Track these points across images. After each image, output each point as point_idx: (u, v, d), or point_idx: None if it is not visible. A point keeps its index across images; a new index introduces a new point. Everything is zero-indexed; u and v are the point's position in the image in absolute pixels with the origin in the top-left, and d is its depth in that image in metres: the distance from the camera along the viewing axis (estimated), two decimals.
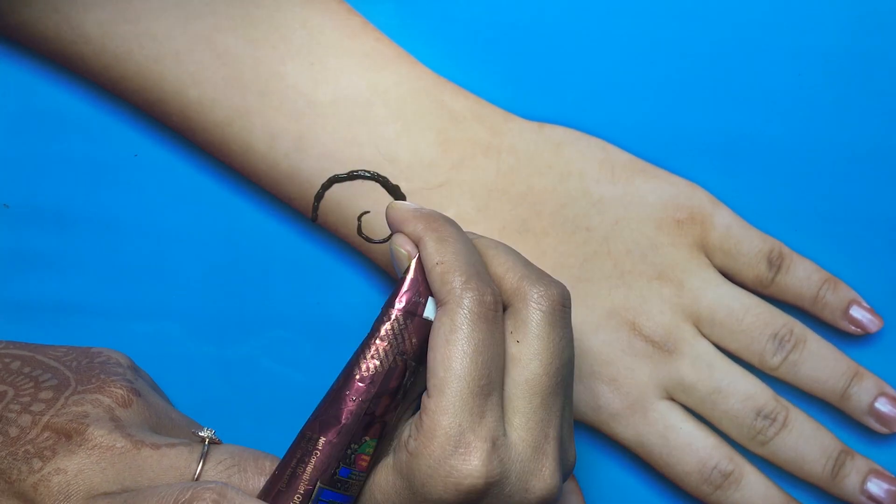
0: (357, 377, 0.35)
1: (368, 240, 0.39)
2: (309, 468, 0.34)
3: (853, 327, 0.42)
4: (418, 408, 0.35)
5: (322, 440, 0.34)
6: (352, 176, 0.39)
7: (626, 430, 0.42)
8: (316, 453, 0.34)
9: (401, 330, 0.35)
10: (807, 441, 0.42)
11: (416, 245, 0.36)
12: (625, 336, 0.42)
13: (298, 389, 0.43)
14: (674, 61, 0.42)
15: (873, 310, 0.42)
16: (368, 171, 0.39)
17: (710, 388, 0.42)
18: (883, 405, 0.42)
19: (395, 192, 0.39)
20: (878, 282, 0.43)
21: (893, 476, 0.43)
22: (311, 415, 0.35)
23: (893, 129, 0.42)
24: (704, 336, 0.42)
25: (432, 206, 0.42)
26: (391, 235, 0.37)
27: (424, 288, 0.35)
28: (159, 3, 0.41)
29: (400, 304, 0.35)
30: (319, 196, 0.41)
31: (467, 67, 0.42)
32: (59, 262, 0.43)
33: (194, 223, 0.43)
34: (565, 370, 0.35)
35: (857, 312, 0.42)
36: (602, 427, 0.43)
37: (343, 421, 0.34)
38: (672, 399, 0.42)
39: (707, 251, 0.42)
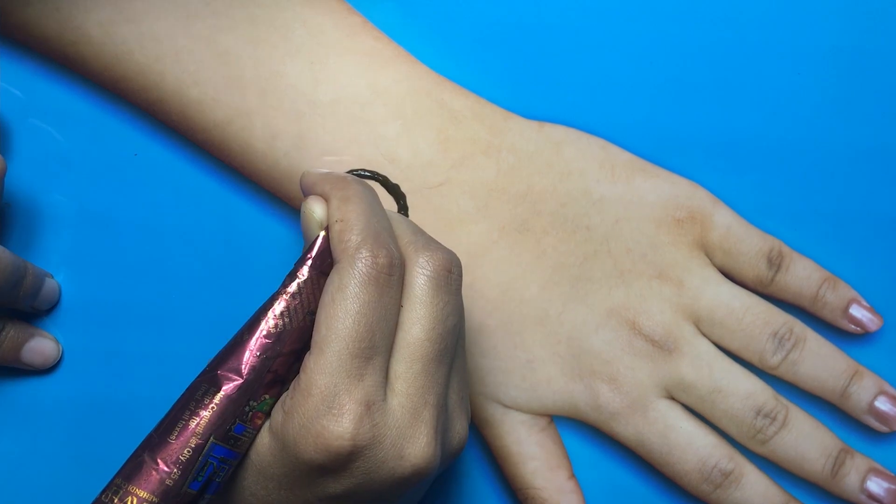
0: (264, 332, 0.33)
1: None
2: (203, 421, 0.32)
3: (853, 326, 0.42)
4: None
5: (220, 394, 0.33)
6: (351, 174, 0.39)
7: (626, 429, 0.42)
8: (213, 407, 0.33)
9: (312, 288, 0.34)
10: (807, 440, 0.42)
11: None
12: (625, 335, 0.42)
13: None
14: (674, 60, 0.42)
15: (873, 309, 0.42)
16: (368, 171, 0.39)
17: (710, 387, 0.42)
18: (883, 404, 0.42)
19: (396, 192, 0.39)
20: (878, 281, 0.43)
21: (893, 475, 0.43)
22: (208, 365, 0.34)
23: (893, 128, 0.42)
24: (704, 335, 0.42)
25: (432, 206, 0.42)
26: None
27: None
28: (160, 4, 0.41)
29: (311, 262, 0.34)
30: None
31: (467, 67, 0.42)
32: (58, 262, 0.43)
33: (194, 222, 0.43)
34: (450, 337, 0.34)
35: (857, 311, 0.42)
36: (602, 426, 0.43)
37: (245, 376, 0.33)
38: (672, 398, 0.42)
39: (707, 250, 0.42)
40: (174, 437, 0.32)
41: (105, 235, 0.43)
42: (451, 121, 0.42)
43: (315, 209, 0.36)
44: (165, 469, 0.32)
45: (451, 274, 0.35)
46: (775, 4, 0.42)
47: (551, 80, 0.42)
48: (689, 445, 0.42)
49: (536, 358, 0.42)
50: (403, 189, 0.39)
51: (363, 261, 0.33)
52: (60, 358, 0.43)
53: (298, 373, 0.33)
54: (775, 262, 0.42)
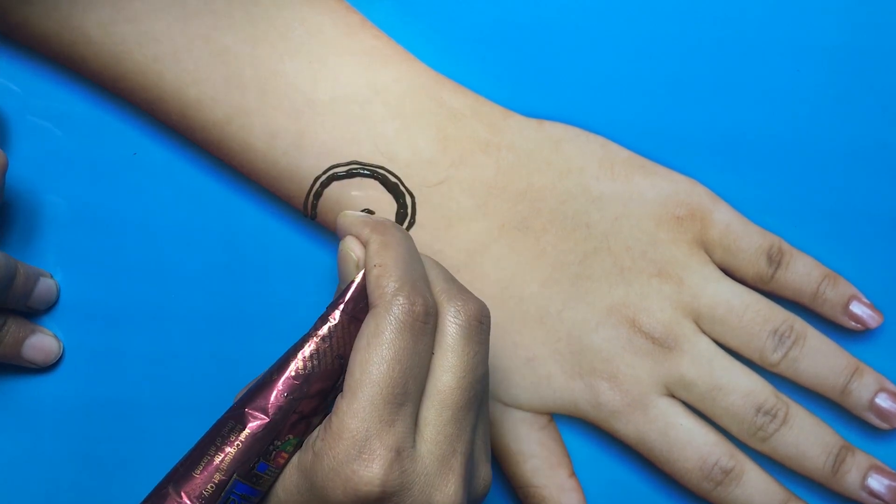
0: (292, 374, 0.34)
1: None
2: (228, 458, 0.33)
3: (853, 323, 0.42)
4: None
5: (246, 432, 0.33)
6: (350, 173, 0.39)
7: (627, 427, 0.42)
8: (238, 444, 0.33)
9: (342, 333, 0.35)
10: (807, 437, 0.42)
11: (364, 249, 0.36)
12: (625, 333, 0.42)
13: None
14: (673, 58, 0.42)
15: (873, 305, 0.42)
16: (367, 168, 0.39)
17: (711, 385, 0.42)
18: (883, 401, 0.42)
19: (395, 190, 0.39)
20: (878, 277, 0.43)
21: (894, 471, 0.43)
22: (237, 402, 0.34)
23: (893, 126, 0.42)
24: (704, 333, 0.42)
25: (432, 204, 0.42)
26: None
27: None
28: (159, 3, 0.41)
29: (344, 306, 0.35)
30: (318, 194, 0.41)
31: (466, 65, 0.42)
32: (57, 261, 0.43)
33: (193, 221, 0.43)
34: (479, 386, 0.35)
35: (857, 308, 0.42)
36: (602, 424, 0.43)
37: (271, 416, 0.33)
38: (672, 396, 0.42)
39: (707, 248, 0.42)
40: (199, 472, 0.33)
41: (105, 235, 0.43)
42: (451, 119, 0.42)
43: (354, 250, 0.36)
44: (188, 503, 0.33)
45: (481, 324, 0.35)
46: (775, 2, 0.42)
47: (550, 78, 0.42)
48: (689, 443, 0.42)
49: (537, 356, 0.42)
50: (403, 187, 0.39)
51: (400, 307, 0.33)
52: (61, 355, 0.43)
53: (325, 413, 0.34)
54: (775, 259, 0.42)
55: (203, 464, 0.33)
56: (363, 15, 0.42)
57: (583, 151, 0.42)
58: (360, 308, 0.35)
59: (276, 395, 0.34)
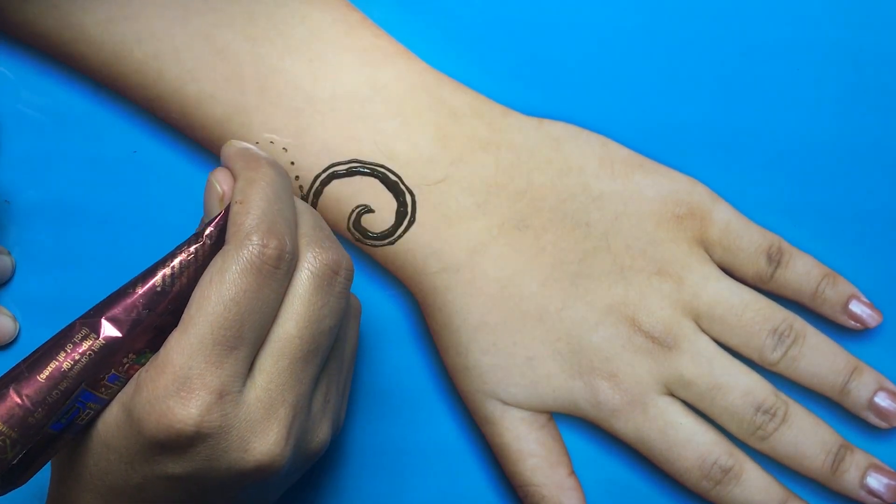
0: (158, 288, 0.32)
1: (364, 234, 0.39)
2: (78, 367, 0.31)
3: (852, 322, 0.42)
4: None
5: (100, 341, 0.32)
6: (351, 171, 0.39)
7: (626, 425, 0.42)
8: (90, 354, 0.31)
9: (211, 253, 0.33)
10: (806, 436, 0.42)
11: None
12: (624, 332, 0.42)
13: None
14: (673, 57, 0.42)
15: (872, 304, 0.42)
16: (367, 167, 0.39)
17: (710, 384, 0.42)
18: (882, 400, 0.42)
19: (395, 188, 0.39)
20: (878, 277, 0.43)
21: (893, 471, 0.43)
22: (92, 308, 0.32)
23: (893, 125, 0.42)
24: (704, 331, 0.42)
25: (432, 202, 0.42)
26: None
27: None
28: (158, 1, 0.41)
29: (211, 230, 0.33)
30: (318, 192, 0.41)
31: (466, 63, 0.42)
32: (57, 260, 0.43)
33: (193, 220, 0.43)
34: (323, 339, 0.34)
35: (857, 307, 0.42)
36: (602, 423, 0.43)
37: (128, 326, 0.32)
38: (672, 395, 0.42)
39: (706, 246, 0.42)
40: (43, 376, 0.31)
41: (104, 233, 0.43)
42: (451, 117, 0.42)
43: (221, 182, 0.35)
44: (29, 406, 0.31)
45: (336, 276, 0.34)
46: (774, 1, 0.42)
47: (550, 77, 0.42)
48: (688, 442, 0.42)
49: (536, 355, 0.42)
50: (403, 185, 0.39)
51: (251, 248, 0.32)
52: (17, 336, 0.42)
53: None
54: (775, 259, 0.42)
55: (49, 368, 0.31)
56: (363, 13, 0.42)
57: (583, 150, 0.42)
58: (223, 241, 0.33)
59: (137, 307, 0.32)
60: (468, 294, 0.42)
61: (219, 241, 0.33)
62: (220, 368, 0.32)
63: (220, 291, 0.32)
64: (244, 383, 0.32)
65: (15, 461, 0.31)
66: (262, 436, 0.32)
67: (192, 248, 0.33)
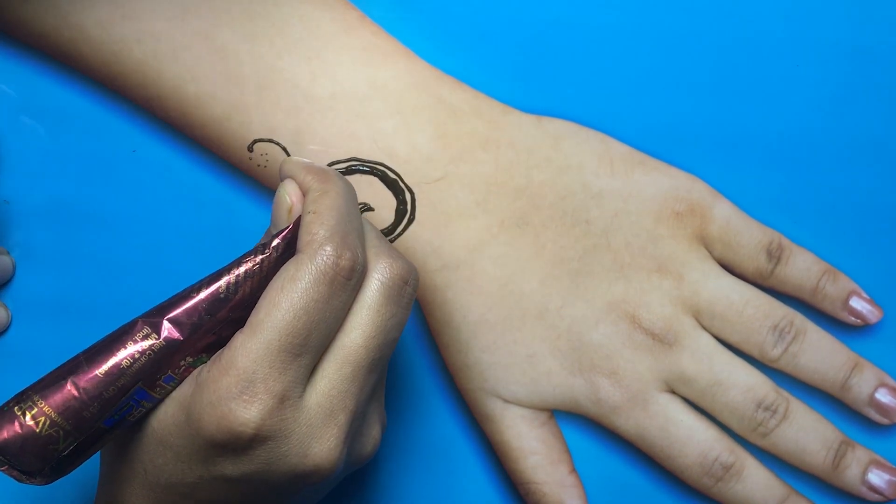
0: (221, 294, 0.33)
1: None
2: (137, 365, 0.31)
3: (853, 318, 0.42)
4: None
5: (160, 342, 0.32)
6: (350, 170, 0.39)
7: (627, 423, 0.42)
8: (150, 354, 0.32)
9: (277, 264, 0.33)
10: (807, 432, 0.42)
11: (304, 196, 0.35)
12: (625, 329, 0.42)
13: None
14: (673, 54, 0.42)
15: (873, 300, 0.42)
16: (367, 164, 0.39)
17: (711, 381, 0.42)
18: (883, 396, 0.42)
19: (394, 186, 0.39)
20: (878, 272, 0.43)
21: (894, 466, 0.43)
22: (155, 308, 0.33)
23: (892, 122, 0.42)
24: (704, 328, 0.42)
25: (431, 201, 0.42)
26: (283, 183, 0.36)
27: None
28: (157, 0, 0.42)
29: (279, 241, 0.34)
30: None
31: (465, 61, 0.42)
32: (57, 259, 0.43)
33: (193, 218, 0.43)
34: (386, 349, 0.34)
35: (857, 303, 0.42)
36: (602, 420, 0.43)
37: (190, 331, 0.32)
38: (672, 392, 0.42)
39: (707, 243, 0.42)
40: (102, 371, 0.31)
41: (103, 232, 0.43)
42: (450, 115, 0.42)
43: (290, 194, 0.35)
44: (86, 400, 0.31)
45: (405, 286, 0.34)
46: None
47: (550, 75, 0.42)
48: (689, 439, 0.42)
49: (536, 352, 0.42)
50: (402, 183, 0.39)
51: (324, 258, 0.33)
52: (9, 325, 0.42)
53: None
54: (775, 255, 0.42)
55: (109, 364, 0.31)
56: (362, 11, 0.42)
57: (582, 148, 0.42)
58: (291, 253, 0.34)
59: (198, 312, 0.32)
60: (468, 292, 0.42)
61: (285, 253, 0.34)
62: (284, 374, 0.32)
63: (291, 299, 0.32)
64: (304, 388, 0.33)
65: (66, 452, 0.31)
66: (322, 441, 0.33)
67: (258, 258, 0.33)
